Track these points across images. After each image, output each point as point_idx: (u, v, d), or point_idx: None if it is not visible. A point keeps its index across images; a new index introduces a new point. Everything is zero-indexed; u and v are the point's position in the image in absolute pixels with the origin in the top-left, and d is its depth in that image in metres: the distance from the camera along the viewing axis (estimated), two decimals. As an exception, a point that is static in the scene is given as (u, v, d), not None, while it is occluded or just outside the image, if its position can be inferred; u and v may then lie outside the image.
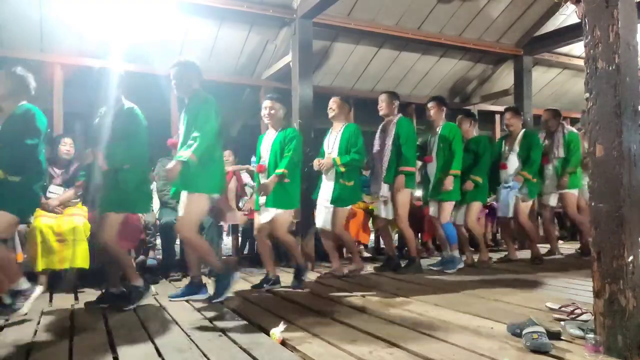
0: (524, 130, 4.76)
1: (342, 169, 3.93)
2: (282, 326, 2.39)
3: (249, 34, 5.18)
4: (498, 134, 7.04)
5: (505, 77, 6.94)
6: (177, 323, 2.70)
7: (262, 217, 3.71)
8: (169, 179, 3.10)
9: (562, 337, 2.23)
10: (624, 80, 1.96)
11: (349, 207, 4.11)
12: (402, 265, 4.43)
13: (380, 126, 4.43)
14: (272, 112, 3.70)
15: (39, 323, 2.78)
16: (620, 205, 1.95)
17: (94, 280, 3.80)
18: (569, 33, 5.73)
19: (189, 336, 2.43)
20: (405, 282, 3.81)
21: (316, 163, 4.09)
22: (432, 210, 4.52)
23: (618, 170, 1.96)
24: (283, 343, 2.28)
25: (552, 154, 4.92)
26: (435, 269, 4.40)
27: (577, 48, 6.49)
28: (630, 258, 1.93)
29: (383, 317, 2.71)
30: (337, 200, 3.96)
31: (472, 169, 4.47)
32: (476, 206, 4.50)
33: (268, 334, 2.42)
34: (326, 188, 4.07)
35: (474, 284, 3.67)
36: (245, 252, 5.65)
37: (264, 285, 3.70)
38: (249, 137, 5.80)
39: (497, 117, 7.14)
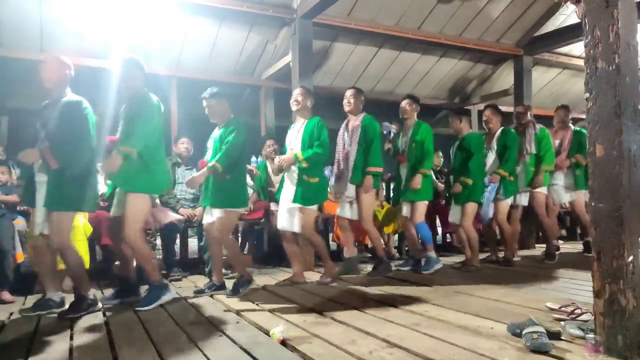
0: (502, 127, 4.66)
1: (305, 165, 3.67)
2: (282, 326, 2.39)
3: (249, 34, 5.19)
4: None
5: (505, 77, 6.95)
6: (177, 323, 2.71)
7: (207, 217, 3.52)
8: (107, 171, 3.01)
9: (562, 337, 2.24)
10: (624, 80, 1.97)
11: (316, 206, 3.88)
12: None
13: (343, 124, 4.25)
14: (209, 110, 3.55)
15: (39, 323, 2.78)
16: (620, 205, 1.95)
17: (94, 280, 3.82)
18: (569, 33, 5.73)
19: (189, 336, 2.43)
20: (405, 282, 3.81)
21: (277, 160, 3.83)
22: (404, 210, 4.40)
23: (618, 170, 1.96)
24: (283, 343, 2.28)
25: (523, 149, 4.78)
26: (403, 269, 4.38)
27: (577, 48, 6.50)
28: (630, 258, 1.93)
29: (383, 317, 2.71)
30: (302, 199, 3.68)
31: (462, 170, 4.34)
32: (471, 207, 4.34)
33: (268, 334, 2.42)
34: (288, 187, 3.82)
35: (474, 284, 3.66)
36: (245, 252, 5.64)
37: (207, 290, 3.52)
38: (249, 136, 5.77)
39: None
